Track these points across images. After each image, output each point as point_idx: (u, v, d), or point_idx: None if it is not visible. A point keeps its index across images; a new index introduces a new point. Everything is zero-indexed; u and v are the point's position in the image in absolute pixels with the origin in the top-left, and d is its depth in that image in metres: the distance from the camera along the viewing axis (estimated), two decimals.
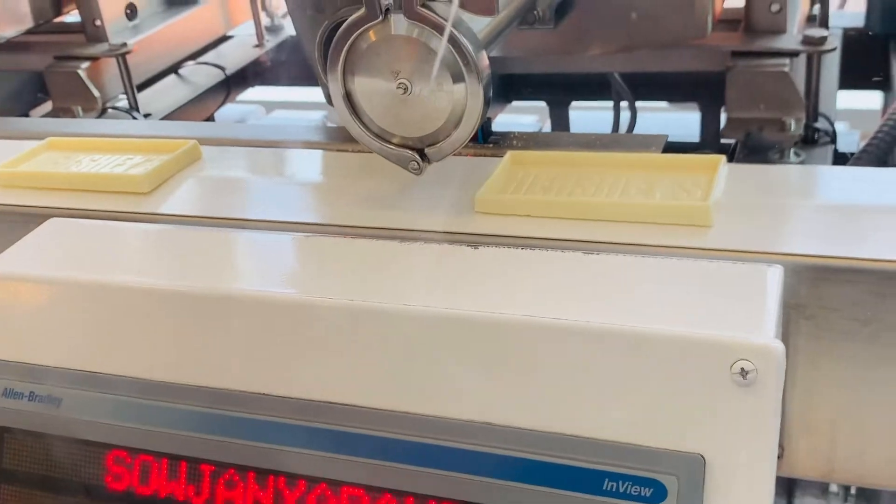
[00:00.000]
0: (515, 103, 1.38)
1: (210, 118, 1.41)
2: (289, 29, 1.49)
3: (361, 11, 0.64)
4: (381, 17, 0.63)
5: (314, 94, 1.62)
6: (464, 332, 0.53)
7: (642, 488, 0.48)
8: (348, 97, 0.67)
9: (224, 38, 1.48)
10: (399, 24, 0.63)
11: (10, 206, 0.78)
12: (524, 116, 1.48)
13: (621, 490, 0.48)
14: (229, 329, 0.58)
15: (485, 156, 0.78)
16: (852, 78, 1.20)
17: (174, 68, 1.37)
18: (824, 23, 1.17)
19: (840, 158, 0.95)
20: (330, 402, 0.56)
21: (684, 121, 1.33)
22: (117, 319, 0.60)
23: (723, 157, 0.69)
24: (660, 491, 0.47)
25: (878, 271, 0.57)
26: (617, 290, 0.53)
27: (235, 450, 0.57)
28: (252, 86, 1.50)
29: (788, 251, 0.59)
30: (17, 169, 0.82)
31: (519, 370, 0.51)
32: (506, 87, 1.29)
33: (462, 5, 0.62)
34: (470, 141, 0.68)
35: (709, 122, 1.22)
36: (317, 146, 0.85)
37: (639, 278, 0.54)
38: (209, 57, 1.41)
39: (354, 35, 0.65)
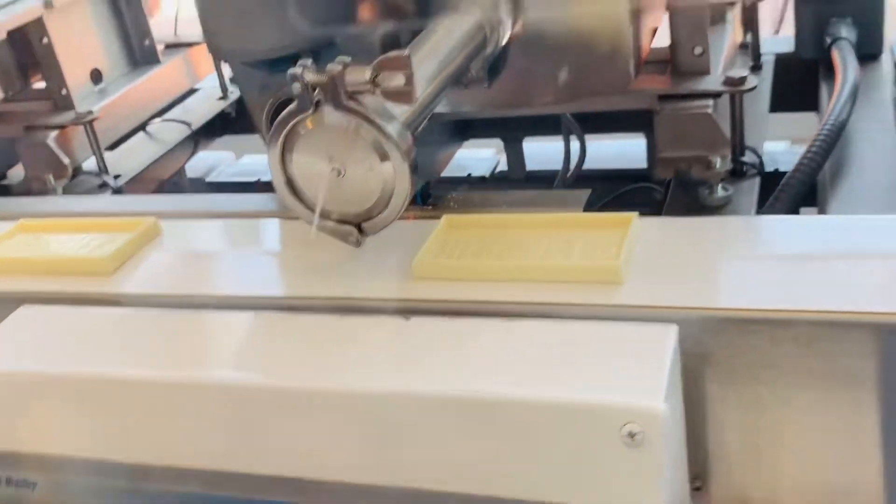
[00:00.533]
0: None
1: (180, 171, 1.46)
2: None
3: (295, 104, 0.69)
4: (312, 110, 0.69)
5: None
6: (397, 408, 0.58)
7: None
8: (288, 181, 0.72)
9: (190, 92, 1.53)
10: (329, 114, 0.68)
11: None
12: (482, 150, 1.53)
13: None
14: (192, 412, 0.63)
15: (425, 218, 0.83)
16: (786, 101, 1.27)
17: (142, 126, 1.42)
18: (755, 52, 1.24)
19: (773, 180, 1.01)
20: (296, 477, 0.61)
21: (635, 147, 1.38)
22: (87, 406, 0.65)
23: (634, 215, 0.75)
24: None
25: (772, 321, 0.62)
26: (528, 357, 0.59)
27: None
28: (219, 136, 1.55)
29: (694, 305, 0.64)
30: None
31: (425, 437, 0.57)
32: (460, 128, 1.35)
33: (384, 95, 0.67)
34: (410, 203, 0.74)
35: (654, 151, 1.28)
36: (269, 215, 0.91)
37: (548, 344, 0.60)
38: (175, 112, 1.46)
39: (290, 124, 0.70)
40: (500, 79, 0.95)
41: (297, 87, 0.68)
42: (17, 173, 1.41)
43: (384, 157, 0.69)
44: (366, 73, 0.66)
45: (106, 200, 1.15)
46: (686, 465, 0.59)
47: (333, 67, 0.67)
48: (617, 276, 0.67)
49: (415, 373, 0.60)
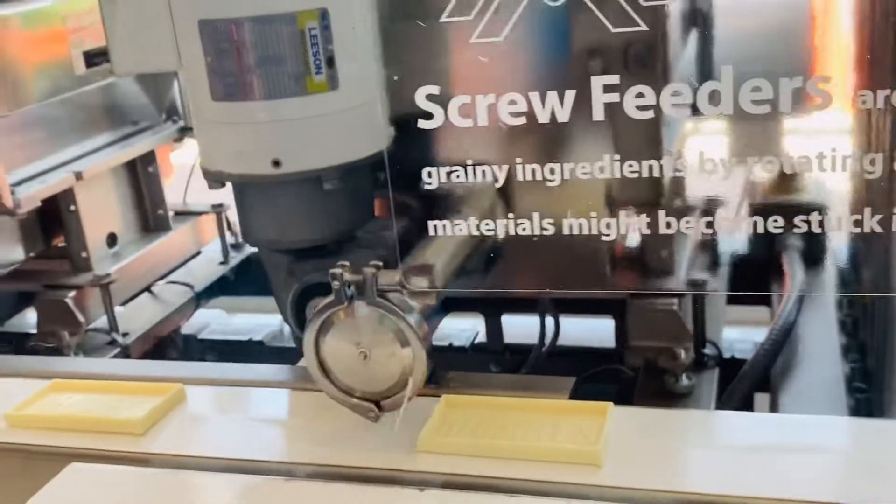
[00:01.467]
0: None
1: (178, 328, 1.56)
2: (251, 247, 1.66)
3: (331, 297, 0.81)
4: (346, 303, 0.80)
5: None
6: None
7: None
8: (320, 362, 0.83)
9: (193, 255, 1.64)
10: (361, 308, 0.80)
11: (25, 445, 0.92)
12: (462, 322, 1.64)
13: None
14: None
15: (426, 395, 0.94)
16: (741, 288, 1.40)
17: (147, 287, 1.52)
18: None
19: (732, 365, 1.13)
20: None
21: (604, 328, 1.51)
22: None
23: (610, 405, 0.87)
24: None
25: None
26: None
27: None
28: (217, 297, 1.66)
29: (664, 488, 0.75)
30: (26, 412, 0.96)
31: None
32: (446, 302, 1.47)
33: (409, 295, 0.80)
34: None
35: (622, 332, 1.40)
36: (283, 385, 1.01)
37: None
38: (179, 275, 1.57)
39: (325, 315, 0.82)
40: (490, 269, 1.08)
41: (335, 284, 0.80)
42: (16, 323, 1.50)
43: (405, 343, 0.80)
44: (395, 277, 0.79)
45: (129, 364, 1.25)
46: None
47: (368, 270, 0.79)
48: (596, 460, 0.79)
49: None
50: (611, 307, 1.40)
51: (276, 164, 0.89)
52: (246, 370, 1.07)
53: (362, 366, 0.82)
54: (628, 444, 0.82)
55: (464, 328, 1.64)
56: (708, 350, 1.14)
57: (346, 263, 0.80)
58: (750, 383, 1.06)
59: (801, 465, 0.79)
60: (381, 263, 0.80)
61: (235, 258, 1.64)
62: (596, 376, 1.20)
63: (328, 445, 0.87)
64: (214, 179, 0.94)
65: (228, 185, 0.96)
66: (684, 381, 1.08)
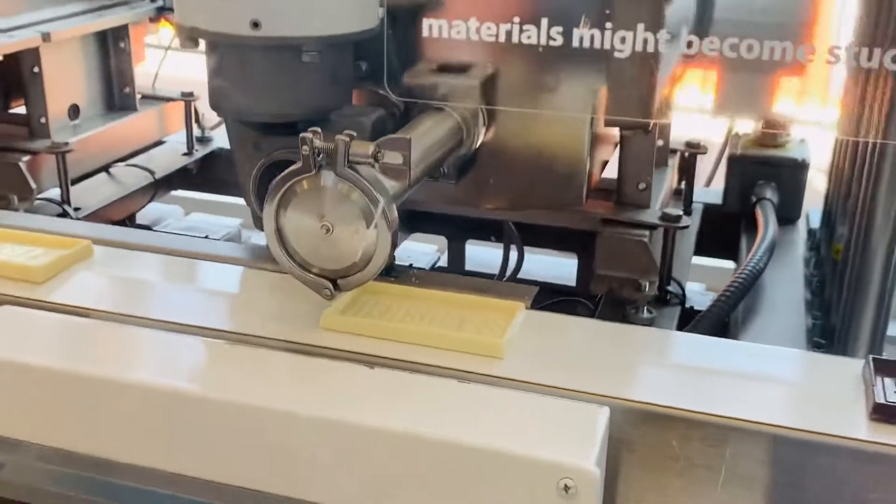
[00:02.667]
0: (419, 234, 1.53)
1: (132, 216, 1.51)
2: (217, 141, 1.62)
3: (299, 164, 0.77)
4: (314, 171, 0.77)
5: (232, 200, 1.75)
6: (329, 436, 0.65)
7: None
8: (279, 231, 0.80)
9: (157, 143, 1.59)
10: (328, 178, 0.77)
11: None
12: (426, 245, 1.62)
13: None
14: (115, 409, 0.70)
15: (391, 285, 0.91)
16: (709, 247, 1.40)
17: (106, 167, 1.47)
18: (688, 199, 1.37)
19: (690, 315, 1.12)
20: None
21: (566, 265, 1.49)
22: (39, 397, 0.71)
23: (522, 305, 0.86)
24: None
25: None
26: (477, 413, 0.67)
27: None
28: (176, 189, 1.61)
29: (565, 386, 0.74)
30: None
31: (381, 473, 0.64)
32: (410, 219, 1.44)
33: (381, 171, 0.76)
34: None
35: (584, 271, 1.39)
36: (205, 258, 1.00)
37: (497, 407, 0.68)
38: (140, 159, 1.52)
39: (291, 182, 0.78)
40: (465, 178, 1.05)
41: (304, 150, 0.76)
42: None
43: (371, 223, 0.77)
44: (369, 148, 0.75)
45: (73, 224, 1.20)
46: None
47: (341, 138, 0.75)
48: (498, 352, 0.78)
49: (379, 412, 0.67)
50: (577, 243, 1.39)
51: (256, 25, 0.85)
52: (183, 241, 1.04)
53: (322, 240, 0.79)
54: (539, 343, 0.81)
55: (426, 251, 1.62)
56: (672, 287, 1.12)
57: (318, 130, 0.76)
58: (709, 324, 1.05)
59: (705, 379, 0.78)
60: (354, 134, 0.76)
61: (200, 151, 1.59)
62: (555, 308, 1.18)
63: (230, 312, 0.87)
64: (189, 37, 0.89)
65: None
66: (645, 313, 1.06)
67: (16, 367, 0.73)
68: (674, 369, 0.82)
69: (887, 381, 0.74)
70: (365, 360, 0.78)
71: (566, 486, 0.59)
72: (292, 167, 0.78)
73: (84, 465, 0.72)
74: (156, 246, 1.03)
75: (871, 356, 0.77)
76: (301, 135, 0.76)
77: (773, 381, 0.79)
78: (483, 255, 1.53)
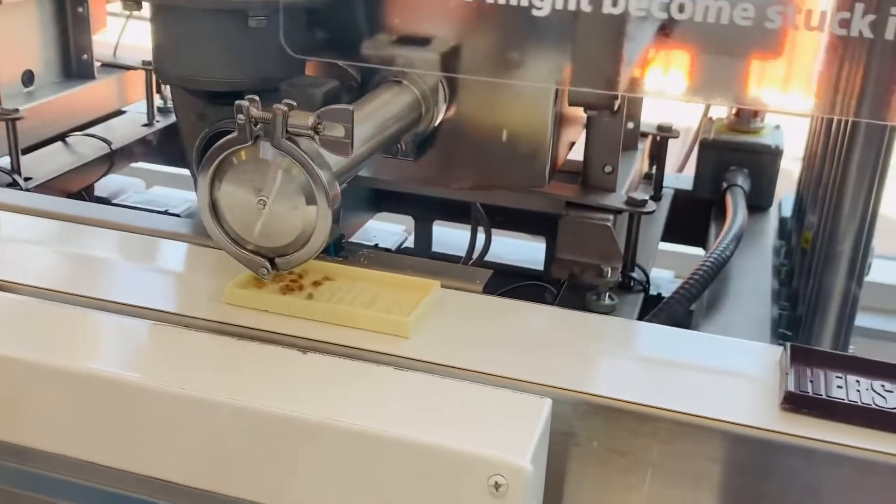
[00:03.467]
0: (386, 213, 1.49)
1: (90, 188, 1.47)
2: None
3: (235, 133, 0.73)
4: (250, 142, 0.72)
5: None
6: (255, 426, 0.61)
7: None
8: (213, 204, 0.75)
9: (117, 113, 1.54)
10: (266, 150, 0.72)
11: None
12: (393, 225, 1.58)
13: None
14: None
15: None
16: (678, 233, 1.36)
17: (62, 136, 1.42)
18: (658, 184, 1.33)
19: (656, 302, 1.08)
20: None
21: (535, 249, 1.46)
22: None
23: (436, 284, 0.82)
24: None
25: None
26: (408, 404, 0.63)
27: None
28: (136, 161, 1.56)
29: (469, 367, 0.71)
30: None
31: (311, 465, 0.60)
32: (376, 198, 1.40)
33: (322, 143, 0.72)
34: (323, 252, 0.78)
35: (552, 256, 1.35)
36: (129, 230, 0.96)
37: (429, 395, 0.64)
38: (98, 130, 1.47)
39: (226, 152, 0.74)
40: (425, 156, 1.01)
41: (240, 119, 0.72)
42: None
43: (310, 199, 0.73)
44: (308, 119, 0.71)
45: (16, 195, 1.15)
46: None
47: (279, 107, 0.71)
48: (404, 331, 0.74)
49: (306, 400, 0.63)
50: (544, 226, 1.35)
51: None
52: (129, 216, 1.00)
53: (259, 216, 0.74)
54: (453, 323, 0.78)
55: (394, 231, 1.58)
56: (635, 274, 1.09)
57: (256, 98, 0.72)
58: (670, 314, 1.01)
59: (622, 364, 0.76)
60: (294, 103, 0.71)
61: (161, 122, 1.54)
62: (516, 292, 1.14)
63: (139, 285, 0.82)
64: None
65: None
66: (606, 300, 1.03)
67: None
68: (624, 359, 0.78)
69: (802, 369, 0.71)
70: (263, 336, 0.75)
71: (496, 483, 0.56)
72: (228, 136, 0.73)
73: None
74: (99, 220, 0.98)
75: (788, 343, 0.74)
76: (237, 102, 0.72)
77: (719, 372, 0.75)
78: (452, 236, 1.50)
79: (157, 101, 1.54)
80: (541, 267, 1.40)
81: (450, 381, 0.67)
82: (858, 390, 0.68)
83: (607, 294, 1.03)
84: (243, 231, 0.76)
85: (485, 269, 0.90)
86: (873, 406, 0.67)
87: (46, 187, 1.30)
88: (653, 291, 1.13)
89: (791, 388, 0.68)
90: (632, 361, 0.77)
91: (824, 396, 0.67)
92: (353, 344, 0.73)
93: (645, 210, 1.04)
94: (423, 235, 1.47)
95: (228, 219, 0.76)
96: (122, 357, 0.70)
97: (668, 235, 1.29)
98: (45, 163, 1.35)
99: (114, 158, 1.45)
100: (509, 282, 1.15)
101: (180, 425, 0.63)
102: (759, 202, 1.31)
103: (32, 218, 0.96)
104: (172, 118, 1.56)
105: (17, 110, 1.26)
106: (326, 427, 0.60)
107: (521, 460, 0.57)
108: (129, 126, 1.51)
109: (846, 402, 0.66)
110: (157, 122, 1.53)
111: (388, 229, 1.57)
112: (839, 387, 0.69)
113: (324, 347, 0.73)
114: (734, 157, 1.31)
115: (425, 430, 0.59)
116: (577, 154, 1.16)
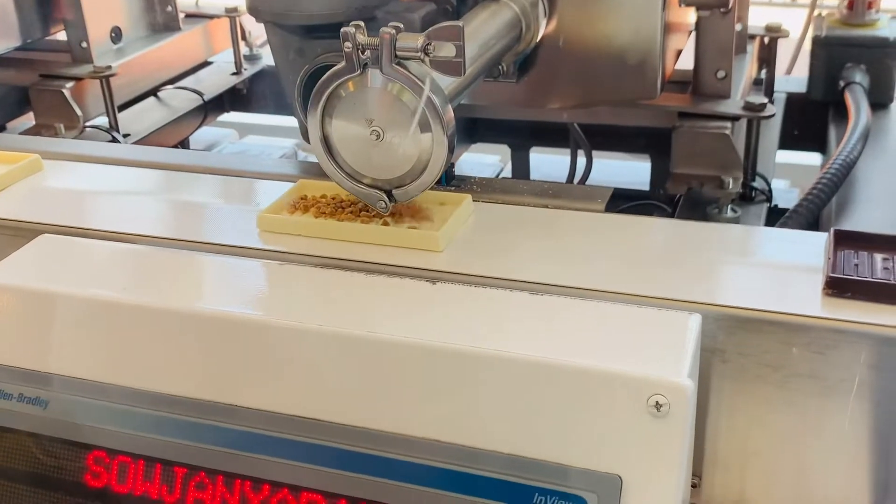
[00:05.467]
0: (480, 144, 1.45)
1: (185, 141, 1.47)
2: (266, 58, 1.55)
3: (342, 64, 0.70)
4: (359, 71, 0.70)
5: (286, 120, 1.69)
6: (418, 360, 0.59)
7: (567, 502, 0.54)
8: (325, 140, 0.73)
9: (204, 64, 1.53)
10: (375, 78, 0.70)
11: None
12: (488, 156, 1.55)
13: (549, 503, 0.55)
14: (198, 344, 0.64)
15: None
16: (794, 139, 1.30)
17: (154, 91, 1.42)
18: (769, 88, 1.26)
19: (777, 214, 1.03)
20: (292, 415, 0.62)
21: (637, 169, 1.41)
22: (101, 331, 0.65)
23: (468, 197, 0.80)
24: None
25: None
26: (557, 328, 0.60)
27: (206, 455, 0.63)
28: (228, 111, 1.56)
29: (513, 277, 0.69)
30: None
31: (467, 395, 0.58)
32: (470, 128, 1.36)
33: (432, 65, 0.69)
34: (436, 184, 0.75)
35: (658, 173, 1.30)
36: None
37: (578, 319, 0.61)
38: (188, 82, 1.46)
39: (334, 84, 0.71)
40: (528, 76, 0.97)
41: (347, 47, 0.69)
42: (17, 126, 1.41)
43: (425, 126, 0.70)
44: (418, 40, 0.67)
45: (120, 148, 1.16)
46: (692, 455, 0.60)
47: (386, 30, 0.68)
48: (435, 245, 0.73)
49: (447, 328, 0.61)
50: (649, 143, 1.30)
51: None
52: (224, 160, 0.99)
53: (373, 148, 0.72)
54: (489, 237, 0.76)
55: (489, 162, 1.54)
56: (757, 184, 1.03)
57: (361, 24, 0.68)
58: (800, 221, 0.96)
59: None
60: (401, 25, 0.68)
61: (248, 70, 1.52)
62: (629, 212, 1.10)
63: (176, 217, 0.83)
64: None
65: None
66: (728, 212, 0.98)
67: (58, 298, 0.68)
68: (760, 268, 0.74)
69: (847, 253, 0.68)
70: (298, 259, 0.74)
71: (658, 403, 0.53)
72: (335, 68, 0.71)
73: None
74: (199, 166, 0.97)
75: (833, 228, 0.71)
76: (342, 29, 0.69)
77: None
78: (550, 163, 1.45)
79: (243, 49, 1.53)
80: (645, 187, 1.35)
81: (591, 302, 0.64)
82: None
83: (729, 207, 0.98)
84: (358, 165, 0.73)
85: (605, 187, 0.86)
86: None
87: (144, 142, 1.31)
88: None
89: (832, 272, 0.65)
90: (769, 269, 0.73)
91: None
92: (385, 261, 0.73)
93: (764, 114, 0.99)
94: (521, 164, 1.43)
95: (342, 153, 0.73)
96: (243, 297, 0.69)
97: (783, 142, 1.23)
98: (141, 118, 1.36)
99: (207, 110, 1.44)
100: (617, 204, 1.11)
101: (314, 361, 0.62)
102: (878, 99, 1.23)
103: (137, 169, 0.96)
104: (260, 66, 1.55)
105: (109, 67, 1.26)
106: (479, 356, 0.58)
107: (681, 378, 0.54)
108: (218, 76, 1.51)
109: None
110: (245, 69, 1.52)
111: (483, 161, 1.54)
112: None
113: (359, 267, 0.73)
114: (850, 54, 1.23)
115: (578, 354, 0.56)
116: (683, 64, 1.10)
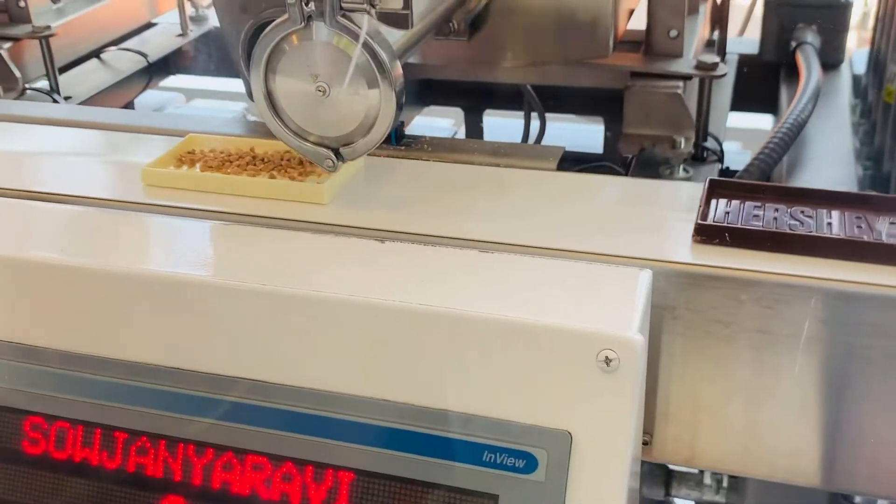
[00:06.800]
0: (434, 107, 1.43)
1: (130, 104, 1.43)
2: (213, 19, 1.52)
3: (285, 16, 0.68)
4: (303, 24, 0.68)
5: (235, 84, 1.65)
6: (363, 318, 0.58)
7: (516, 460, 0.54)
8: (269, 96, 0.71)
9: (148, 26, 1.49)
10: (320, 30, 0.68)
11: None
12: (441, 120, 1.53)
13: (498, 461, 0.54)
14: (140, 307, 0.62)
15: (396, 157, 0.83)
16: (745, 101, 1.30)
17: (96, 53, 1.38)
18: (722, 49, 1.26)
19: (729, 175, 1.03)
20: (235, 377, 0.61)
21: (591, 133, 1.40)
22: (36, 294, 0.63)
23: None
24: (531, 462, 0.53)
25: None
26: (508, 285, 0.59)
27: (147, 419, 0.61)
28: (173, 74, 1.52)
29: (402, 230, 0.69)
30: None
31: (414, 353, 0.57)
32: (423, 91, 1.35)
33: (379, 18, 0.67)
34: (383, 143, 0.74)
35: (612, 136, 1.30)
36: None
37: (528, 276, 0.60)
38: (132, 43, 1.43)
39: (277, 38, 0.69)
40: (480, 34, 0.95)
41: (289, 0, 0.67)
42: None
43: (372, 82, 0.68)
44: None
45: (60, 109, 1.12)
46: (643, 411, 0.60)
47: None
48: (320, 197, 0.73)
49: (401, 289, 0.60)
50: (603, 105, 1.29)
51: None
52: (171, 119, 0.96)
53: (319, 104, 0.70)
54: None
55: (442, 126, 1.53)
56: (709, 144, 1.03)
57: None
58: (754, 179, 0.96)
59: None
60: None
61: (194, 31, 1.49)
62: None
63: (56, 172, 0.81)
64: None
65: None
66: (681, 172, 0.97)
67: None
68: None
69: (720, 202, 0.71)
70: (181, 213, 0.73)
71: (607, 358, 0.52)
72: (278, 20, 0.68)
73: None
74: (146, 126, 0.95)
75: (709, 178, 0.74)
76: None
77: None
78: (503, 126, 1.44)
79: (189, 10, 1.49)
80: (600, 150, 1.34)
81: (539, 259, 0.63)
82: (776, 217, 0.68)
83: (681, 167, 0.98)
84: (304, 122, 0.71)
85: (556, 146, 0.85)
86: (787, 231, 0.65)
87: (87, 105, 1.27)
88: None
89: (701, 219, 0.67)
90: None
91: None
92: (270, 214, 0.73)
93: (716, 73, 0.98)
94: (474, 126, 1.42)
95: (287, 110, 0.71)
96: (184, 258, 0.67)
97: (735, 103, 1.22)
98: (83, 80, 1.32)
99: (151, 73, 1.41)
100: (570, 167, 1.11)
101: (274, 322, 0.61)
102: (829, 60, 1.23)
103: (78, 130, 0.93)
104: (206, 27, 1.51)
105: (48, 27, 1.22)
106: (425, 314, 0.56)
107: (630, 332, 0.53)
108: (164, 38, 1.47)
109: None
110: (191, 31, 1.48)
111: (435, 124, 1.52)
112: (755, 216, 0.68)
113: (241, 220, 0.73)
114: (802, 14, 1.23)
115: (528, 311, 0.55)
116: (635, 24, 1.09)
